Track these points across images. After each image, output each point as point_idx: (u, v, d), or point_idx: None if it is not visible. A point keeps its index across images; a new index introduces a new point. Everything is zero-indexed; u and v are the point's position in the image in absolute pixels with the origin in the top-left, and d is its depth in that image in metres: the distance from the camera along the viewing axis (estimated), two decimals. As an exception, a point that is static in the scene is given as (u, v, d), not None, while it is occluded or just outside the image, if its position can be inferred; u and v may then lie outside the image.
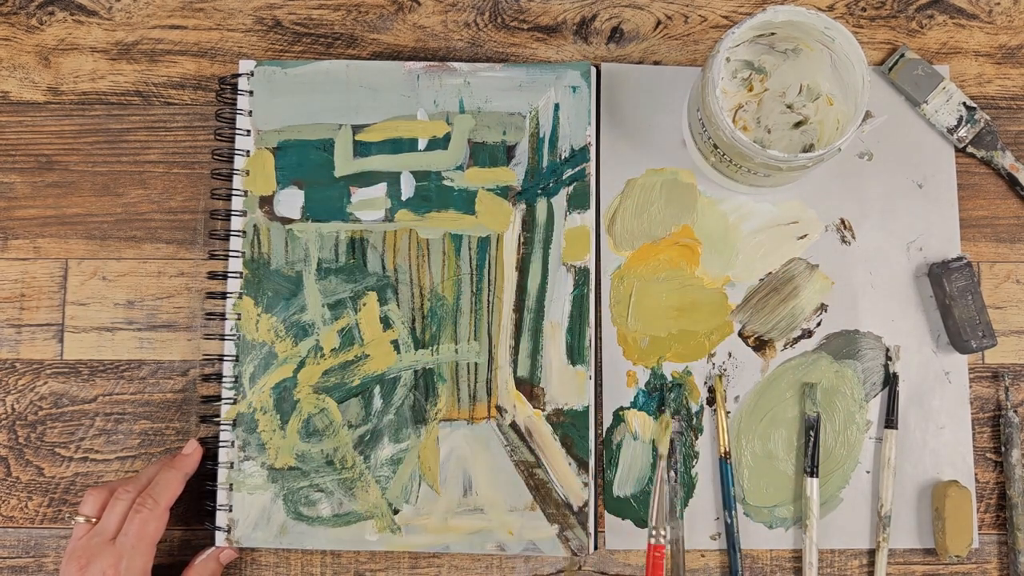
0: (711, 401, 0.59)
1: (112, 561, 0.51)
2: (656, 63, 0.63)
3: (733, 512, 0.58)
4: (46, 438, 0.60)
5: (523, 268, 0.59)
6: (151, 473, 0.55)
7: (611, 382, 0.59)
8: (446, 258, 0.59)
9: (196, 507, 0.58)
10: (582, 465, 0.57)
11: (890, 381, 0.59)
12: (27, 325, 0.61)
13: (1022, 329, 0.61)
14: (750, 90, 0.58)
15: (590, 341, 0.58)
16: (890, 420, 0.58)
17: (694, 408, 0.59)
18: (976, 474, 0.59)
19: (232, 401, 0.58)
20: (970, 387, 0.60)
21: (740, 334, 0.60)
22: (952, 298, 0.58)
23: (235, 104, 0.60)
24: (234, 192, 0.59)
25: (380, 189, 0.60)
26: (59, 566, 0.59)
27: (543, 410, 0.58)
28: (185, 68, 0.63)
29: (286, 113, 0.60)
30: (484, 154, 0.60)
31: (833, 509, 0.59)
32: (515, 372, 0.58)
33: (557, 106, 0.60)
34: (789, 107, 0.58)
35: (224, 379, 0.58)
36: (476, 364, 0.58)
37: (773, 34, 0.56)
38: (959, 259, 0.58)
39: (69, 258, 0.61)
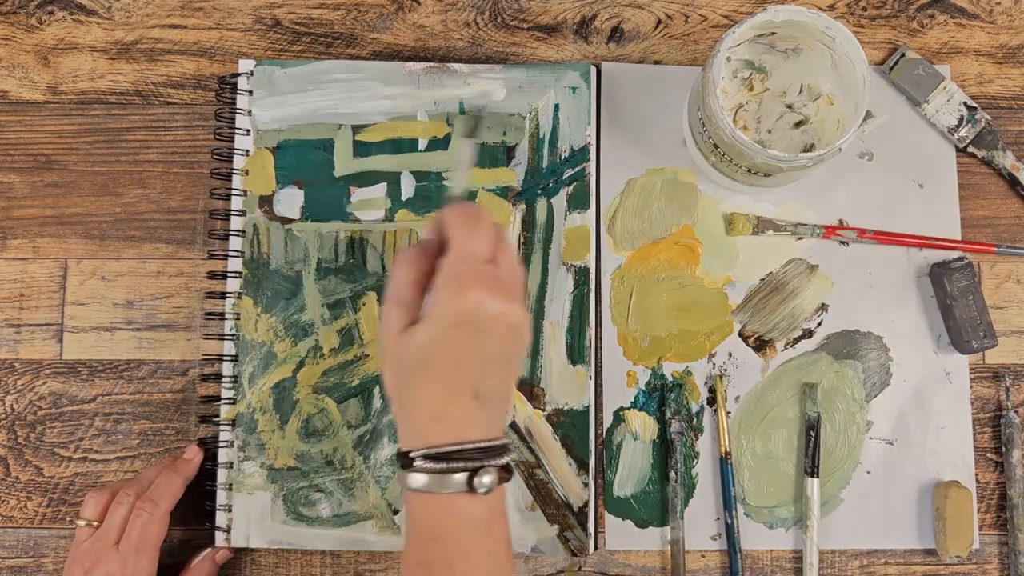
0: (711, 401, 0.59)
1: (117, 566, 0.51)
2: (656, 63, 0.63)
3: (733, 512, 0.57)
4: (45, 438, 0.60)
5: (523, 268, 0.59)
6: (151, 475, 0.55)
7: (611, 382, 0.59)
8: (446, 258, 0.59)
9: (196, 507, 0.58)
10: (582, 465, 0.57)
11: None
12: (26, 325, 0.61)
13: (1022, 329, 0.61)
14: (750, 90, 0.58)
15: (590, 341, 0.58)
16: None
17: (694, 408, 0.59)
18: (977, 474, 0.59)
19: (231, 401, 0.58)
20: (971, 387, 0.60)
21: (740, 334, 0.60)
22: (953, 298, 0.58)
23: (234, 104, 0.60)
24: (234, 192, 0.59)
25: (380, 189, 0.59)
26: (59, 566, 0.59)
27: (543, 410, 0.58)
28: (184, 68, 0.63)
29: (286, 113, 0.60)
30: (484, 154, 0.60)
31: (834, 509, 0.59)
32: (515, 372, 0.58)
33: (557, 106, 0.60)
34: (789, 107, 0.58)
35: (223, 379, 0.58)
36: (476, 364, 0.58)
37: (774, 34, 0.56)
38: (960, 259, 0.58)
39: (68, 258, 0.61)
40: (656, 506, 0.58)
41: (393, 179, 0.59)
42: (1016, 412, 0.59)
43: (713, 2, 0.63)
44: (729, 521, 0.57)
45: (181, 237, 0.61)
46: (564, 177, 0.59)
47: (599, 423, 0.59)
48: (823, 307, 0.60)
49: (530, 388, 0.58)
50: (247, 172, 0.59)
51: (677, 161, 0.61)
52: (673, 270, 0.60)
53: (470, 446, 0.40)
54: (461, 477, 0.40)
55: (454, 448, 0.40)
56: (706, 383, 0.59)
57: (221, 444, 0.58)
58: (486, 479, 0.40)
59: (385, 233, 0.59)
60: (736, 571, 0.57)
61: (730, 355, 0.60)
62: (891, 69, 0.61)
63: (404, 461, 0.41)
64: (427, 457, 0.40)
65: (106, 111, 0.62)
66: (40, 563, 0.59)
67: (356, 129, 0.60)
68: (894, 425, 0.59)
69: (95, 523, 0.53)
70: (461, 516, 0.41)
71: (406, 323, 0.41)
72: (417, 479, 0.40)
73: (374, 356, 0.58)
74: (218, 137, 0.61)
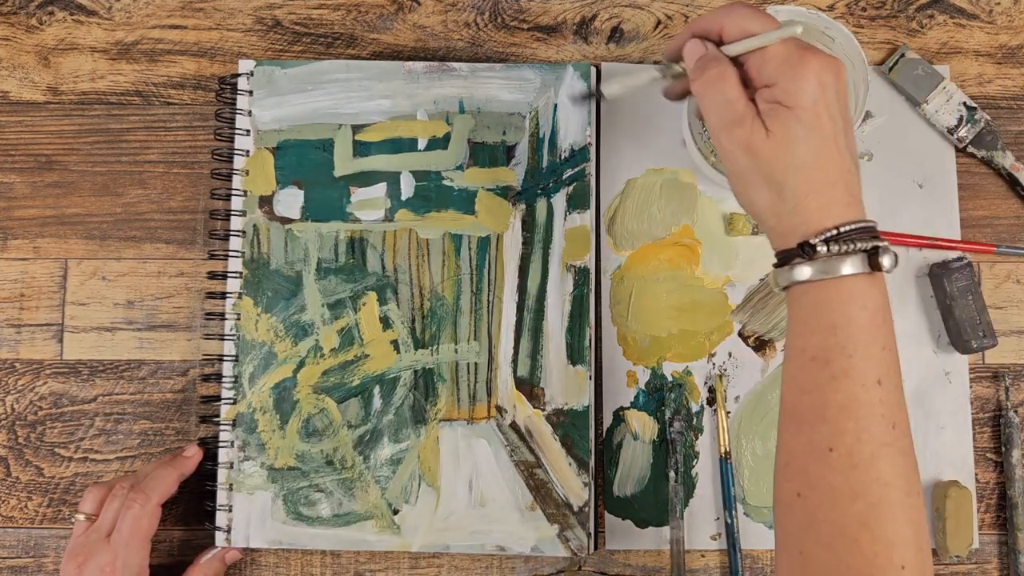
0: (711, 401, 0.59)
1: (109, 559, 0.51)
2: (656, 63, 0.63)
3: (733, 512, 0.57)
4: (46, 438, 0.60)
5: (523, 268, 0.59)
6: (149, 471, 0.55)
7: (611, 382, 0.59)
8: (446, 258, 0.59)
9: (196, 507, 0.58)
10: (582, 465, 0.57)
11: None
12: (27, 325, 0.61)
13: (1022, 329, 0.61)
14: (750, 90, 0.58)
15: (590, 341, 0.58)
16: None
17: (694, 408, 0.59)
18: (976, 474, 0.59)
19: (232, 401, 0.58)
20: (970, 387, 0.60)
21: (740, 334, 0.60)
22: (952, 298, 0.58)
23: (235, 104, 0.60)
24: (234, 192, 0.59)
25: (380, 189, 0.60)
26: (59, 565, 0.59)
27: (543, 410, 0.58)
28: (185, 68, 0.63)
29: (286, 113, 0.60)
30: (484, 154, 0.60)
31: (833, 509, 0.58)
32: (515, 372, 0.58)
33: (557, 106, 0.60)
34: (789, 107, 0.58)
35: (224, 379, 0.58)
36: (476, 364, 0.58)
37: (773, 34, 0.56)
38: (960, 259, 0.58)
39: (69, 258, 0.61)
40: (656, 506, 0.59)
41: (393, 179, 0.60)
42: (1016, 412, 0.59)
43: (713, 2, 0.63)
44: (729, 521, 0.58)
45: (181, 237, 0.61)
46: (564, 177, 0.59)
47: (599, 423, 0.59)
48: (823, 307, 0.60)
49: (530, 388, 0.58)
50: (247, 172, 0.60)
51: (677, 161, 0.61)
52: (673, 270, 0.60)
53: (860, 225, 0.39)
54: (860, 259, 0.39)
55: (852, 227, 0.39)
56: (706, 383, 0.60)
57: (221, 444, 0.58)
58: (886, 259, 0.39)
59: (385, 233, 0.59)
60: (736, 571, 0.57)
61: (730, 355, 0.60)
62: (891, 69, 0.61)
63: (794, 253, 0.40)
64: (830, 240, 0.39)
65: (106, 111, 0.62)
66: (40, 563, 0.59)
67: (356, 129, 0.60)
68: (894, 425, 0.59)
69: (93, 517, 0.53)
70: (861, 302, 0.39)
71: (761, 129, 0.40)
72: (817, 266, 0.39)
73: (374, 356, 0.58)
74: (218, 137, 0.61)
